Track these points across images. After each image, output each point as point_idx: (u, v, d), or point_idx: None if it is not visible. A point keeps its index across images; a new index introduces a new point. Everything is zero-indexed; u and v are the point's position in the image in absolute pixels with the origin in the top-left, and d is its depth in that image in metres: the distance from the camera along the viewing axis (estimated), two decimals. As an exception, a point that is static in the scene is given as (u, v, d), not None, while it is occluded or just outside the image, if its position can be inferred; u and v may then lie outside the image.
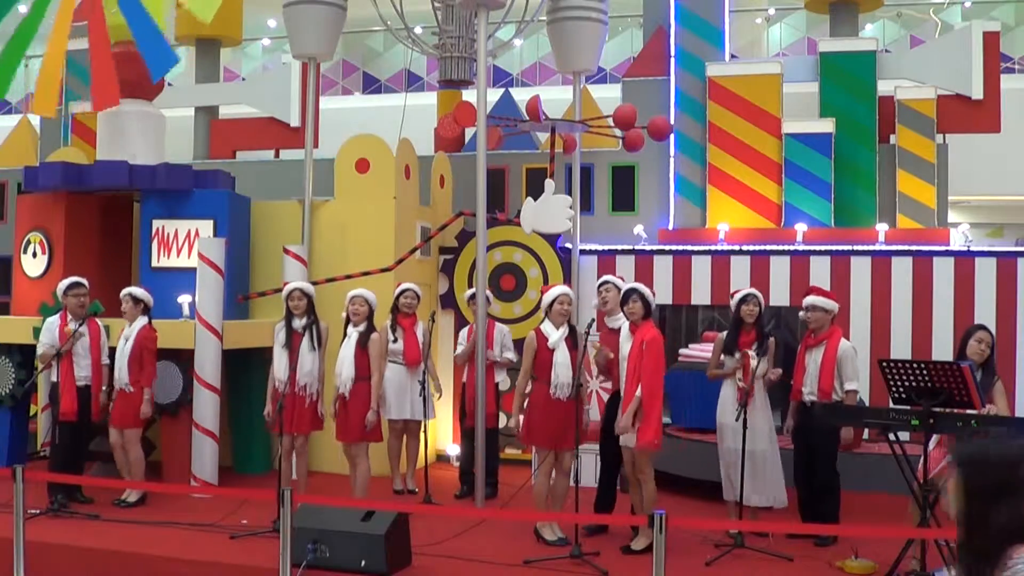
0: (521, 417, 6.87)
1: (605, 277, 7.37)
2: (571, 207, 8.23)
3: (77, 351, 7.78)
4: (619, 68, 18.16)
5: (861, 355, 8.13)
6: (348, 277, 8.92)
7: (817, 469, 6.88)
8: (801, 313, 7.14)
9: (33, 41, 9.23)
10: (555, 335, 6.76)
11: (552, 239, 9.71)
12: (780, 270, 9.40)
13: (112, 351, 8.02)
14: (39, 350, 7.91)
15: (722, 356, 7.09)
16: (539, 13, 10.91)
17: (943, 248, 9.23)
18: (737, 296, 7.12)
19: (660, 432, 6.51)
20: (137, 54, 8.84)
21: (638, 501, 6.72)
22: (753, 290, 7.18)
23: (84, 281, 8.00)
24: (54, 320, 7.90)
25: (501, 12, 10.11)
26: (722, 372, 7.09)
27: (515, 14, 11.71)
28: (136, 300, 7.95)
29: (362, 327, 7.51)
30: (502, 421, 8.58)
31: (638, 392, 6.45)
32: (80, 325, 7.80)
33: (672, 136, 9.75)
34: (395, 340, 8.24)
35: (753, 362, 6.86)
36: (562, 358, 6.71)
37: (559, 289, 6.96)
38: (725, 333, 7.16)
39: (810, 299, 7.00)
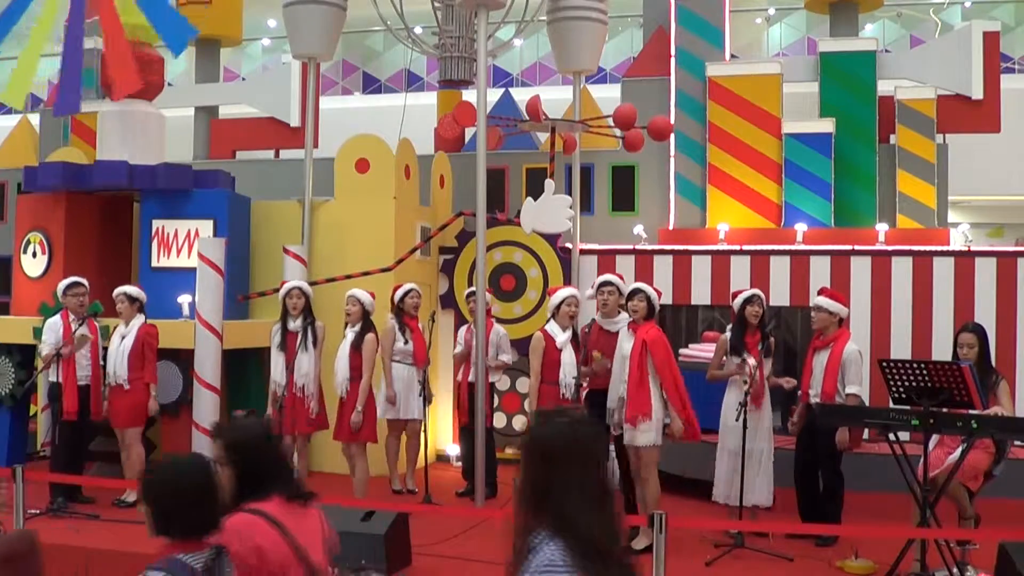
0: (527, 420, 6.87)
1: (607, 277, 7.24)
2: (571, 207, 8.23)
3: (79, 351, 7.80)
4: (619, 68, 18.18)
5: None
6: (348, 277, 8.91)
7: (821, 470, 6.88)
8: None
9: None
10: (562, 336, 6.75)
11: (552, 239, 9.71)
12: (780, 270, 9.39)
13: (104, 350, 8.02)
14: (43, 350, 7.90)
15: (725, 357, 7.08)
16: (539, 13, 10.92)
17: (943, 248, 9.23)
18: (741, 297, 7.11)
19: (695, 422, 6.71)
20: (137, 54, 8.85)
21: (643, 498, 6.72)
22: (757, 291, 7.18)
23: (84, 281, 8.01)
24: (56, 320, 7.90)
25: (501, 12, 10.11)
26: (722, 373, 7.09)
27: (515, 14, 11.71)
28: (132, 299, 7.95)
29: (357, 327, 7.51)
30: (499, 421, 8.57)
31: (656, 393, 6.54)
32: (81, 325, 7.81)
33: (672, 136, 9.74)
34: (406, 342, 8.20)
35: (764, 366, 6.89)
36: (569, 358, 6.71)
37: (567, 291, 6.95)
38: (727, 335, 7.15)
39: (816, 299, 7.00)
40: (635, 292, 6.76)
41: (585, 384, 7.05)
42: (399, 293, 8.29)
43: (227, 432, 3.17)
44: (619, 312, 7.12)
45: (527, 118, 8.77)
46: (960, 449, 5.76)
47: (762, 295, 7.14)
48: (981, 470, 6.04)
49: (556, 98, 12.07)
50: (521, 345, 8.52)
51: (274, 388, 7.47)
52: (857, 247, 9.29)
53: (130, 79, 8.64)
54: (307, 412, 7.48)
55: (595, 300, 7.27)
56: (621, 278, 7.28)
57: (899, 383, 5.79)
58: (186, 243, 8.99)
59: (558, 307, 6.83)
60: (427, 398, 8.20)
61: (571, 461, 2.42)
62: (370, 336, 7.52)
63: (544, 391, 6.75)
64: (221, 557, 2.87)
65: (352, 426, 7.32)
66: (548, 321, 6.92)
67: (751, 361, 6.86)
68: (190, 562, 2.80)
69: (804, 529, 6.86)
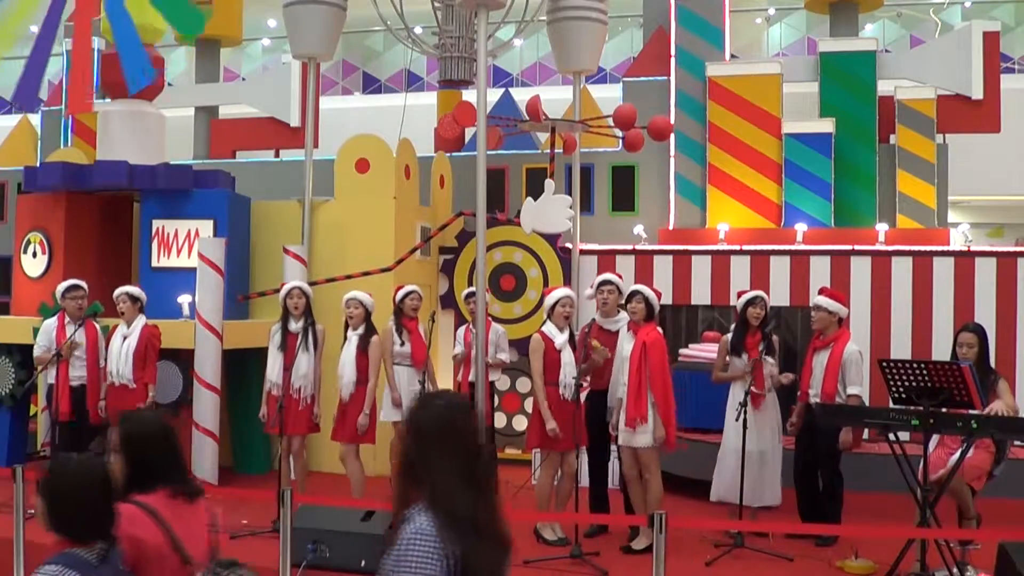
0: (527, 420, 6.85)
1: (607, 277, 7.25)
2: (571, 207, 8.22)
3: (73, 352, 7.80)
4: (619, 68, 18.18)
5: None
6: (348, 277, 8.91)
7: (821, 471, 6.87)
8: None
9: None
10: (560, 337, 6.75)
11: (552, 239, 9.70)
12: (780, 270, 9.39)
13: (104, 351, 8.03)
14: (36, 352, 7.93)
15: (727, 358, 7.08)
16: (539, 13, 10.92)
17: (943, 248, 9.23)
18: (744, 298, 7.11)
19: (672, 433, 6.65)
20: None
21: (639, 500, 6.72)
22: (760, 292, 7.19)
23: (83, 283, 8.00)
24: (52, 322, 7.90)
25: (501, 12, 10.11)
26: (727, 375, 7.09)
27: (515, 14, 11.71)
28: (133, 299, 7.95)
29: (361, 330, 7.49)
30: (499, 421, 8.55)
31: (650, 399, 6.53)
32: (78, 328, 7.80)
33: (672, 136, 9.74)
34: (403, 343, 8.18)
35: (766, 366, 6.89)
36: (568, 358, 6.71)
37: (561, 291, 6.94)
38: (729, 336, 7.16)
39: (816, 299, 7.00)
40: (634, 294, 6.77)
41: (586, 384, 7.04)
42: (400, 294, 8.27)
43: (125, 423, 3.31)
44: (619, 312, 7.12)
45: (527, 118, 8.76)
46: (960, 449, 5.76)
47: (765, 297, 7.14)
48: (985, 470, 6.04)
49: (556, 98, 12.07)
50: (521, 345, 8.53)
51: (269, 387, 7.44)
52: (857, 247, 9.29)
53: (84, 100, 8.71)
54: (303, 413, 7.45)
55: (595, 300, 7.27)
56: (620, 278, 7.28)
57: (899, 383, 5.78)
58: (186, 243, 8.99)
59: (553, 308, 6.83)
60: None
61: (445, 441, 2.63)
62: (375, 338, 7.50)
63: (545, 392, 6.73)
64: (113, 547, 2.97)
65: (359, 428, 7.31)
66: (544, 322, 6.92)
67: (772, 360, 6.94)
68: (85, 555, 2.88)
69: (804, 529, 6.86)
